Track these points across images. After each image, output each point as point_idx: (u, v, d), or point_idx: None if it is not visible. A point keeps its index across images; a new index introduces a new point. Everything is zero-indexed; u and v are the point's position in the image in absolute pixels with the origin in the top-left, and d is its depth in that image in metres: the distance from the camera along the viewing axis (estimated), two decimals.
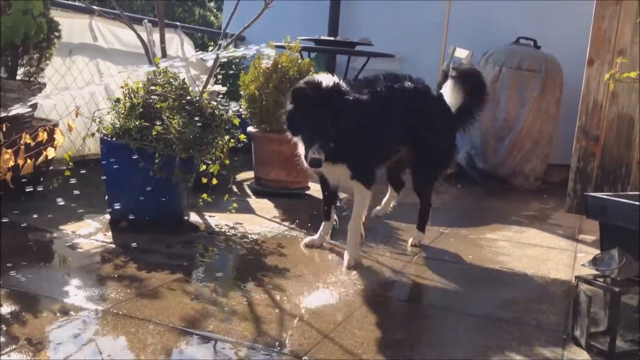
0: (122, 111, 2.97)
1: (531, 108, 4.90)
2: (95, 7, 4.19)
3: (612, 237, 2.13)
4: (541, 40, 5.21)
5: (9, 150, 2.58)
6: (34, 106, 3.32)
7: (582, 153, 3.39)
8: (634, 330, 1.94)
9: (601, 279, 1.94)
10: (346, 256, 2.64)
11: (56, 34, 3.43)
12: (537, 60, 4.96)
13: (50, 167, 3.41)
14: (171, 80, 2.99)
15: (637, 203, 2.02)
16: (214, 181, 2.93)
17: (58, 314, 1.92)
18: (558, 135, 5.11)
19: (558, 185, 5.09)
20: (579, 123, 3.40)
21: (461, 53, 5.06)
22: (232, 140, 3.01)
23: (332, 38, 5.54)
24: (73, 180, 2.73)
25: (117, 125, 2.92)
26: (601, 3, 3.34)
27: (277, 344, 1.84)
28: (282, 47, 4.05)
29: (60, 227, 2.86)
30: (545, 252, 3.11)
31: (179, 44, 5.24)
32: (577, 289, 1.98)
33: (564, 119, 5.02)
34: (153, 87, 2.98)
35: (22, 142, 2.59)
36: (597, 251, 2.20)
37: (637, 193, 2.30)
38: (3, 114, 2.65)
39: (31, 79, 3.35)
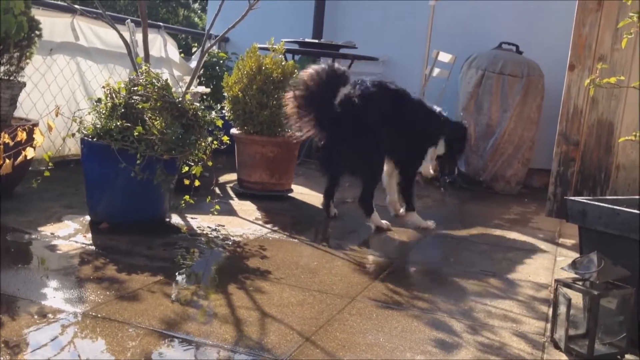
0: (103, 111, 2.94)
1: (513, 113, 4.94)
2: (77, 6, 4.15)
3: (591, 241, 2.15)
4: (523, 46, 5.26)
5: None
6: (14, 105, 3.28)
7: (563, 158, 3.43)
8: (613, 333, 1.96)
9: (580, 283, 1.96)
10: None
11: (37, 32, 3.38)
12: (519, 66, 5.01)
13: (30, 168, 3.36)
14: (153, 80, 2.97)
15: (616, 207, 2.04)
16: (197, 183, 2.91)
17: (36, 317, 1.89)
18: (539, 140, 5.16)
19: (539, 189, 5.14)
20: (559, 128, 3.43)
21: (444, 57, 5.10)
22: (215, 142, 2.99)
23: (317, 40, 5.55)
24: (53, 181, 2.70)
25: (98, 126, 2.90)
26: (582, 10, 3.38)
27: (258, 347, 1.83)
28: (266, 48, 4.04)
29: (39, 229, 2.82)
30: (526, 256, 3.13)
31: (162, 45, 5.21)
32: (557, 292, 1.99)
33: (545, 124, 5.07)
34: (135, 88, 2.96)
35: (0, 141, 2.56)
36: (577, 255, 2.22)
37: (616, 197, 2.33)
38: None
39: (11, 78, 3.30)
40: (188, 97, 3.11)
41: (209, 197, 3.24)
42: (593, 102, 3.34)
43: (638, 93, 3.02)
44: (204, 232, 3.05)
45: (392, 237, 3.31)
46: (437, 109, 3.65)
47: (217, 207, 3.17)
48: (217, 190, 4.05)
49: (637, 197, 2.39)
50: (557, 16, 5.14)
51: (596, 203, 2.11)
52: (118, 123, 2.83)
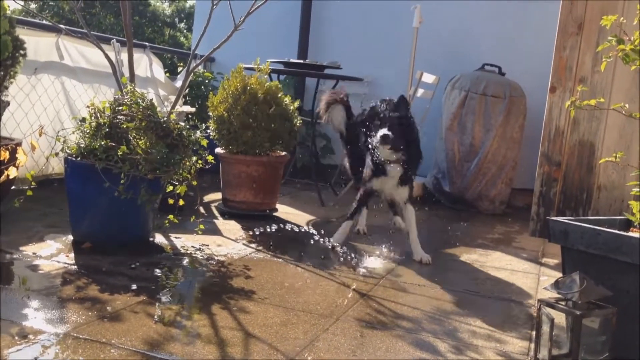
0: (88, 131, 2.93)
1: (496, 133, 5.00)
2: (62, 25, 4.15)
3: (573, 260, 2.17)
4: (505, 67, 5.34)
5: None
6: None
7: (545, 178, 3.46)
8: (595, 353, 1.97)
9: (563, 302, 1.97)
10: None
11: (21, 52, 3.37)
12: (502, 87, 5.07)
13: (13, 187, 3.33)
14: (138, 100, 2.97)
15: (597, 227, 2.07)
16: (181, 202, 2.90)
17: (16, 338, 1.87)
18: (522, 160, 5.21)
19: (522, 209, 5.18)
20: (541, 149, 3.48)
21: (428, 78, 5.15)
22: (199, 162, 2.99)
23: (302, 61, 5.59)
24: (35, 200, 2.68)
25: (82, 145, 2.89)
26: (563, 34, 3.44)
27: None
28: (252, 69, 4.06)
29: (21, 248, 2.79)
30: (510, 275, 3.15)
31: (147, 64, 5.22)
32: (540, 312, 2.01)
33: (528, 144, 5.13)
34: (120, 107, 2.96)
35: None
36: (560, 274, 2.24)
37: (598, 218, 2.35)
38: None
39: None
40: (173, 116, 3.11)
41: (194, 217, 3.22)
42: (574, 124, 3.39)
43: (618, 115, 3.08)
44: (188, 251, 3.03)
45: (377, 257, 3.32)
46: None
47: (202, 226, 3.16)
48: (202, 210, 4.03)
49: (618, 217, 2.42)
50: (538, 39, 5.23)
51: (578, 223, 2.14)
52: (102, 142, 2.82)
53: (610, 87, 3.31)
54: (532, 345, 2.13)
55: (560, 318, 1.97)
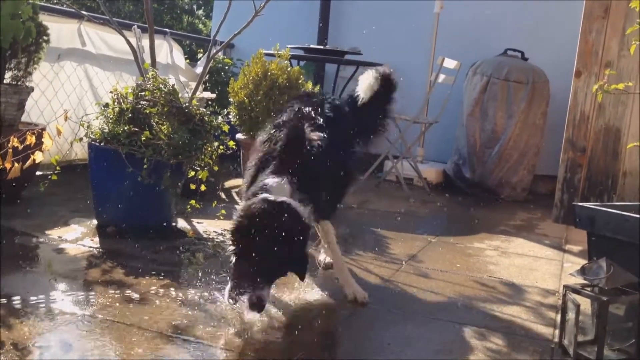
0: (111, 116, 2.95)
1: (518, 119, 4.94)
2: (84, 12, 4.16)
3: (599, 247, 2.15)
4: (528, 52, 5.26)
5: None
6: (22, 109, 3.29)
7: (569, 164, 3.43)
8: (621, 339, 1.95)
9: (589, 288, 1.95)
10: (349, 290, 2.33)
11: (45, 38, 3.40)
12: (525, 72, 5.00)
13: (38, 172, 3.37)
14: (161, 86, 2.98)
15: (625, 213, 2.04)
16: (203, 187, 2.92)
17: (45, 319, 1.89)
18: (544, 146, 5.15)
19: (544, 195, 5.13)
20: (566, 134, 3.43)
21: (450, 63, 5.10)
22: (221, 147, 3.00)
23: (322, 47, 5.56)
24: (59, 185, 2.71)
25: (105, 130, 2.90)
26: (588, 17, 3.39)
27: (264, 350, 1.82)
28: (272, 55, 4.05)
29: (47, 232, 2.82)
30: (533, 262, 3.13)
31: (168, 51, 5.23)
32: (565, 298, 1.99)
33: (551, 130, 5.06)
34: (142, 93, 2.97)
35: (9, 145, 2.56)
36: (584, 261, 2.21)
37: (625, 204, 2.32)
38: None
39: (19, 83, 3.32)
40: (195, 102, 3.12)
41: (215, 202, 3.24)
42: (600, 109, 3.34)
43: None
44: (210, 236, 3.05)
45: (397, 242, 3.31)
46: None
47: (223, 211, 3.17)
48: (223, 196, 4.05)
49: None
50: (562, 23, 5.15)
51: (605, 209, 2.11)
52: (125, 128, 2.83)
53: (637, 72, 3.25)
54: (557, 332, 2.12)
55: (585, 304, 1.95)
